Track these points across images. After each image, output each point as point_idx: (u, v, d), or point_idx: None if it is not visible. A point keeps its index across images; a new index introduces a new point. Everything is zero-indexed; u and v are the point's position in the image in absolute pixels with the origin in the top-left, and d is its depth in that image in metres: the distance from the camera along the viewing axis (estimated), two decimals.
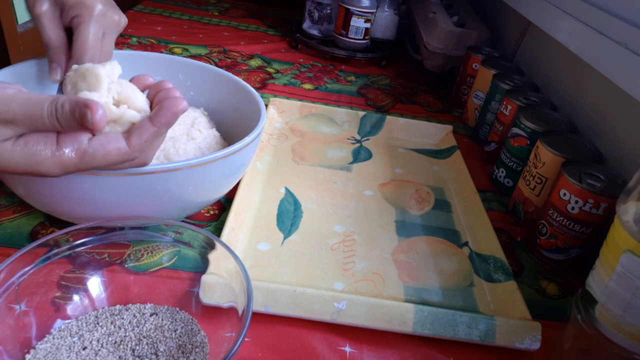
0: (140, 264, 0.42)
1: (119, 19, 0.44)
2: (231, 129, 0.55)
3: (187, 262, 0.43)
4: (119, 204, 0.41)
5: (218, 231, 0.49)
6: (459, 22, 0.96)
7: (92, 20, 0.41)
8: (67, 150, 0.32)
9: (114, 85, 0.36)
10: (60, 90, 0.40)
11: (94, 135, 0.33)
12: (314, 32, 1.03)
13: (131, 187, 0.40)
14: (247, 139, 0.45)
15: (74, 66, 0.38)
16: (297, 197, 0.57)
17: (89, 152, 0.32)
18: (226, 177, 0.46)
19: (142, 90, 0.38)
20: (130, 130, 0.35)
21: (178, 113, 0.35)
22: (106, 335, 0.36)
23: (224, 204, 0.54)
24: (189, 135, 0.49)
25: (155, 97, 0.37)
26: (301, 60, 0.96)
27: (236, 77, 0.57)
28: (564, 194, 0.50)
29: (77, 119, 0.31)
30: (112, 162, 0.34)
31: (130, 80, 0.38)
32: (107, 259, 0.40)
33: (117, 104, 0.36)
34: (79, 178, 0.37)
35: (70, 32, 0.42)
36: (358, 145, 0.70)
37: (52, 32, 0.42)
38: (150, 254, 0.43)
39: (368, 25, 0.95)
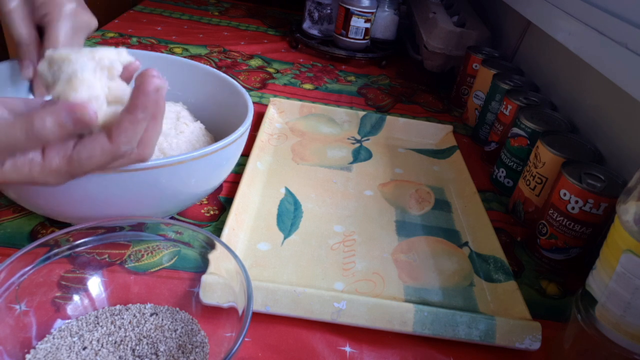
0: (140, 264, 0.42)
1: (90, 20, 0.44)
2: (212, 120, 0.56)
3: (187, 262, 0.43)
4: (118, 203, 0.41)
5: (218, 231, 0.49)
6: (459, 22, 0.96)
7: (63, 19, 0.41)
8: (54, 160, 0.31)
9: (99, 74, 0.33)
10: (31, 89, 0.38)
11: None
12: (314, 32, 1.03)
13: (132, 184, 0.40)
14: (241, 129, 0.46)
15: (47, 52, 0.33)
16: (297, 197, 0.57)
17: (75, 157, 0.31)
18: (223, 166, 0.47)
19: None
20: (113, 129, 0.32)
21: (148, 92, 0.31)
22: (106, 335, 0.36)
23: (224, 204, 0.54)
24: (177, 129, 0.49)
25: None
26: (301, 60, 0.96)
27: (210, 67, 0.58)
28: (564, 194, 0.50)
29: (70, 126, 0.29)
30: (100, 164, 0.32)
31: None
32: (107, 259, 0.40)
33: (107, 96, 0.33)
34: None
35: (41, 31, 0.42)
36: (358, 145, 0.70)
37: (23, 29, 0.41)
38: (150, 254, 0.43)
39: (368, 25, 0.95)
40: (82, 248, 0.39)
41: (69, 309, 0.37)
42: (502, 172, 0.65)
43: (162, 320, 0.38)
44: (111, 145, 0.31)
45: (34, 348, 0.35)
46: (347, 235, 0.52)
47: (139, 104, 0.31)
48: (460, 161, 0.66)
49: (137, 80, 0.32)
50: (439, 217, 0.58)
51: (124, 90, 0.33)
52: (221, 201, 0.54)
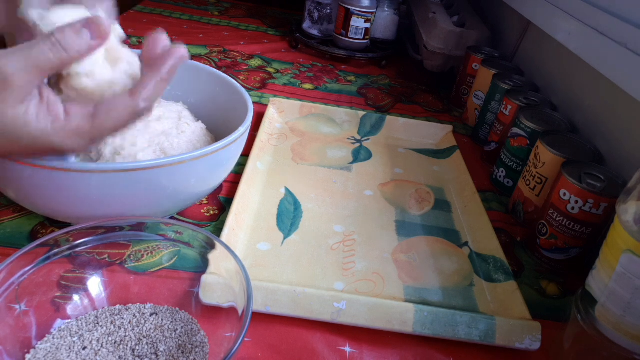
0: (140, 264, 0.42)
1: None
2: (212, 120, 0.56)
3: (187, 262, 0.43)
4: (118, 203, 0.41)
5: (218, 231, 0.49)
6: (459, 22, 0.96)
7: None
8: (76, 118, 0.32)
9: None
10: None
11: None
12: (314, 32, 1.03)
13: (132, 184, 0.40)
14: (241, 129, 0.46)
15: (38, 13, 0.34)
16: (297, 197, 0.57)
17: (96, 113, 0.33)
18: (223, 166, 0.47)
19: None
20: (134, 87, 0.35)
21: (175, 57, 0.35)
22: (106, 335, 0.36)
23: (224, 204, 0.54)
24: (179, 129, 0.49)
25: (150, 51, 0.37)
26: (301, 60, 0.96)
27: (210, 67, 0.58)
28: (564, 194, 0.50)
29: (82, 35, 0.32)
30: (119, 120, 0.33)
31: None
32: (107, 259, 0.40)
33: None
34: (63, 175, 0.38)
35: None
36: (358, 145, 0.70)
37: None
38: (150, 254, 0.43)
39: (368, 25, 0.95)
40: (82, 248, 0.39)
41: (69, 309, 0.37)
42: (502, 172, 0.65)
43: (162, 320, 0.38)
44: (132, 100, 0.33)
45: (34, 348, 0.35)
46: (347, 235, 0.52)
47: (167, 65, 0.34)
48: (460, 161, 0.66)
49: (161, 47, 0.36)
50: (439, 217, 0.58)
51: (120, 50, 0.36)
52: (221, 201, 0.54)
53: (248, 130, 0.49)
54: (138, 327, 0.37)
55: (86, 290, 0.39)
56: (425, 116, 0.82)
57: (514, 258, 0.54)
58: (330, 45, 0.98)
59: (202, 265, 0.40)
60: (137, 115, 0.34)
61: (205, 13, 1.12)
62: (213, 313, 0.39)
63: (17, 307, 0.35)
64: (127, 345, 0.36)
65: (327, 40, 1.00)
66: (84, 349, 0.35)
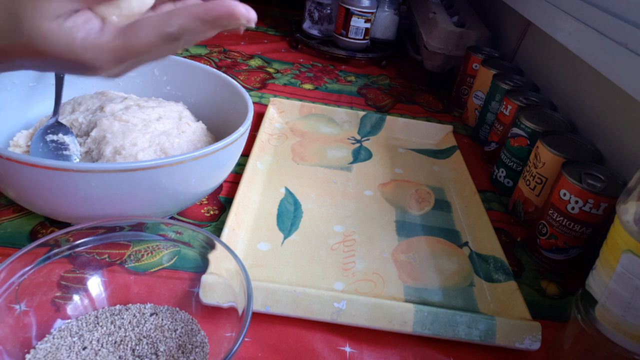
0: (140, 264, 0.42)
1: None
2: (212, 120, 0.56)
3: (187, 262, 0.43)
4: (118, 203, 0.41)
5: (218, 231, 0.49)
6: (459, 22, 0.96)
7: None
8: (107, 33, 0.31)
9: None
10: None
11: None
12: (314, 32, 1.03)
13: (132, 184, 0.40)
14: (241, 129, 0.46)
15: None
16: (297, 197, 0.57)
17: (128, 30, 0.31)
18: (223, 166, 0.47)
19: None
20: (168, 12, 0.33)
21: (227, 15, 0.32)
22: (106, 335, 0.36)
23: (224, 204, 0.54)
24: (179, 129, 0.49)
25: None
26: (301, 60, 0.96)
27: (210, 67, 0.58)
28: (564, 194, 0.50)
29: None
30: (149, 38, 0.32)
31: None
32: (107, 259, 0.40)
33: None
34: (63, 175, 0.38)
35: None
36: (358, 145, 0.70)
37: None
38: (150, 254, 0.43)
39: (368, 25, 0.95)
40: (82, 248, 0.39)
41: (69, 309, 0.37)
42: (502, 172, 0.65)
43: (162, 320, 0.38)
44: (162, 21, 0.31)
45: (34, 348, 0.35)
46: (347, 235, 0.52)
47: (209, 9, 0.31)
48: (460, 161, 0.66)
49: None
50: (439, 217, 0.58)
51: None
52: (221, 201, 0.54)
53: (248, 130, 0.49)
54: (138, 327, 0.37)
55: (86, 290, 0.39)
56: (425, 116, 0.82)
57: (514, 258, 0.54)
58: (330, 45, 0.98)
59: (202, 265, 0.40)
60: (166, 39, 0.32)
61: None
62: (213, 313, 0.39)
63: (17, 307, 0.35)
64: (127, 345, 0.36)
65: (327, 40, 1.00)
66: (84, 349, 0.35)
